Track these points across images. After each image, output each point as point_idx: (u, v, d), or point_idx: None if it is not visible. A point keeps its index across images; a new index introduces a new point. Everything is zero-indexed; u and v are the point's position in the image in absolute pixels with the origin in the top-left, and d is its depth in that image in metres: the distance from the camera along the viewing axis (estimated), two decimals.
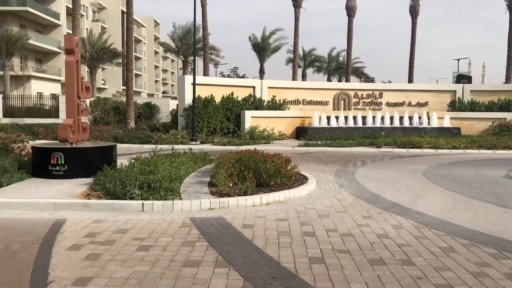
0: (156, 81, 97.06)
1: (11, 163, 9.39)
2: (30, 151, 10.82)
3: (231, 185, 8.16)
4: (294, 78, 33.86)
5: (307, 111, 25.10)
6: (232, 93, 23.91)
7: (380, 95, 27.20)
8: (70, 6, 53.02)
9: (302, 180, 9.57)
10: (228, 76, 55.55)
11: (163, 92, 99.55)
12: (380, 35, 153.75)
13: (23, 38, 41.05)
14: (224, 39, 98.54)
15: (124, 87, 68.39)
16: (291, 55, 41.89)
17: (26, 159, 10.49)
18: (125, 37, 68.88)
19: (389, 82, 44.30)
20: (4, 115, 30.86)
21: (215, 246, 5.42)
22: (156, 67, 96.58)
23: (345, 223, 6.65)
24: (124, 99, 32.31)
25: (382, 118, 25.36)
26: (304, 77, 49.19)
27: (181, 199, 7.58)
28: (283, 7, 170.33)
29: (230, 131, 23.31)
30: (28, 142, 12.00)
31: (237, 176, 8.54)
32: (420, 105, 27.25)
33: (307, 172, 10.84)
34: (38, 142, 12.77)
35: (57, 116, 30.57)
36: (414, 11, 35.69)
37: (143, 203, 7.23)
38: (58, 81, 52.21)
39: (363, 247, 5.49)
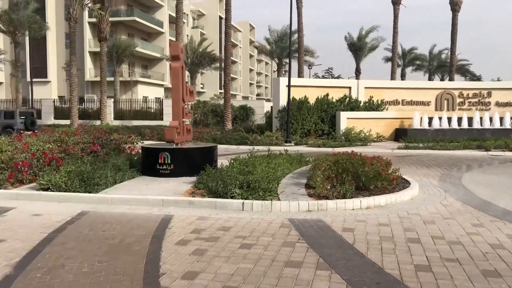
0: (251, 84, 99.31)
1: (123, 162, 10.19)
2: (139, 151, 11.68)
3: (328, 187, 8.09)
4: (392, 78, 32.66)
5: (406, 112, 24.06)
6: (327, 94, 23.68)
7: (489, 94, 25.24)
8: (173, 14, 56.48)
9: (404, 184, 9.19)
10: (323, 77, 55.02)
11: (257, 95, 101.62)
12: (487, 30, 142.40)
13: (131, 46, 44.39)
14: (318, 40, 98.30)
15: (221, 90, 71.19)
16: (389, 54, 40.48)
17: (136, 158, 11.31)
18: (222, 42, 71.37)
19: (499, 80, 40.82)
20: (115, 118, 33.60)
21: (315, 248, 5.41)
22: (250, 70, 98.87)
23: (453, 230, 6.26)
24: (221, 102, 33.56)
25: (491, 119, 23.51)
26: (403, 76, 47.21)
27: (279, 199, 7.67)
28: (380, 5, 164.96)
29: (324, 132, 23.10)
30: (137, 143, 12.94)
31: (335, 178, 8.44)
32: None
33: (408, 176, 10.39)
34: (146, 143, 13.70)
35: (161, 118, 32.62)
36: None
37: (243, 202, 7.43)
38: (161, 85, 55.65)
39: (474, 257, 5.13)
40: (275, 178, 8.74)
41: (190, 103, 12.47)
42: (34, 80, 36.82)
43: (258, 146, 17.85)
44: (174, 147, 10.30)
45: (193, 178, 9.37)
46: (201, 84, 69.49)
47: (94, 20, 42.29)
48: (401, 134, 22.48)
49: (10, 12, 33.44)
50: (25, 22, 33.92)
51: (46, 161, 9.55)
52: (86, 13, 44.38)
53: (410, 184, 9.25)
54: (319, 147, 19.24)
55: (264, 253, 5.23)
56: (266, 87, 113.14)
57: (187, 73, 45.88)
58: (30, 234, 6.02)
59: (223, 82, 30.35)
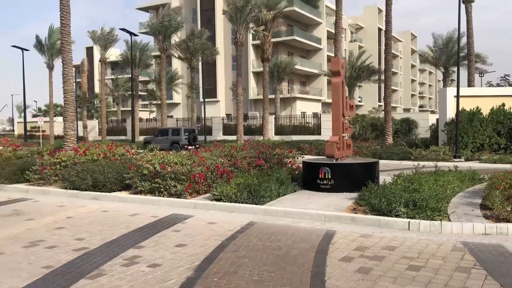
0: (413, 95, 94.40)
1: (286, 176, 10.59)
2: (300, 165, 12.01)
3: (509, 209, 7.22)
4: None
5: None
6: (503, 104, 21.20)
7: None
8: (331, 30, 57.14)
9: None
10: (497, 85, 49.51)
11: (420, 106, 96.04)
12: None
13: (291, 64, 46.12)
14: (489, 45, 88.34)
15: (380, 103, 69.17)
16: None
17: (296, 172, 11.66)
18: (381, 54, 69.44)
19: None
20: (275, 133, 35.14)
21: (495, 277, 4.86)
22: (412, 80, 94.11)
23: None
24: (380, 115, 32.58)
25: None
26: None
27: (449, 220, 7.11)
28: None
29: (501, 147, 20.68)
30: (298, 157, 13.33)
31: None
32: None
33: None
34: (306, 158, 14.03)
35: (319, 133, 33.06)
36: None
37: (409, 222, 7.08)
38: (319, 100, 56.46)
39: None
40: (444, 197, 8.14)
41: (350, 117, 12.39)
42: (206, 100, 40.71)
43: (423, 162, 16.81)
44: (334, 162, 10.34)
45: (354, 194, 9.27)
46: (359, 97, 68.53)
47: (257, 42, 45.17)
48: None
49: (187, 41, 37.76)
50: (199, 49, 37.93)
51: (218, 173, 10.46)
52: (250, 37, 47.63)
53: None
54: (495, 163, 17.30)
55: (434, 277, 4.89)
56: (430, 98, 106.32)
57: (345, 87, 45.73)
58: (206, 241, 6.64)
59: (383, 94, 29.47)
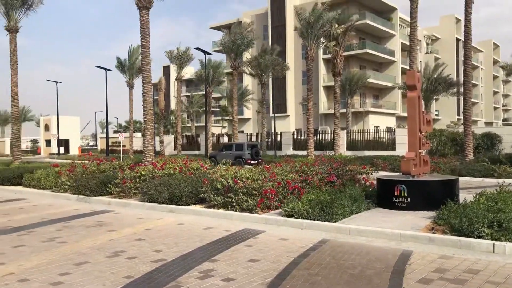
0: (495, 108, 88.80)
1: (359, 193, 10.35)
2: (373, 181, 11.70)
3: None
4: None
5: None
6: None
7: None
8: (405, 42, 55.54)
9: None
10: None
11: (504, 120, 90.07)
12: None
13: (363, 78, 45.32)
14: None
15: (459, 117, 65.76)
16: None
17: (370, 189, 11.35)
18: (459, 65, 66.27)
19: None
20: (347, 148, 34.55)
21: None
22: (495, 92, 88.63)
23: None
24: (459, 129, 30.97)
25: None
26: None
27: None
28: None
29: None
30: (371, 174, 12.99)
31: None
32: None
33: None
34: (381, 174, 13.64)
35: (393, 148, 32.03)
36: None
37: (494, 244, 6.64)
38: (393, 114, 54.82)
39: None
40: None
41: (426, 132, 11.91)
42: (276, 115, 41.09)
43: (508, 180, 15.70)
44: (410, 180, 9.96)
45: (432, 213, 8.85)
46: (436, 110, 65.65)
47: (327, 56, 44.96)
48: None
49: (258, 58, 38.46)
50: (270, 65, 38.45)
51: (289, 189, 10.47)
52: (320, 51, 47.53)
53: None
54: None
55: None
56: None
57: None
58: (278, 257, 6.65)
59: (461, 107, 28.04)
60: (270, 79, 47.02)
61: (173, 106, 67.18)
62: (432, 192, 9.71)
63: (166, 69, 75.70)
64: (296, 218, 9.00)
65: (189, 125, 63.95)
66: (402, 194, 9.66)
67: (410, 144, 10.40)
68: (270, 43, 50.50)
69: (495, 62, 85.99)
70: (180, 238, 8.06)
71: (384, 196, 10.09)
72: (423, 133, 10.70)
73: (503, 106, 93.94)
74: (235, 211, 10.17)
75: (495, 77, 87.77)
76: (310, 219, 8.78)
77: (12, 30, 25.24)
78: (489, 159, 21.65)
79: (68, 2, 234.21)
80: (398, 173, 15.83)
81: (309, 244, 7.40)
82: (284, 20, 53.60)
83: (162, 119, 49.92)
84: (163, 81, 47.41)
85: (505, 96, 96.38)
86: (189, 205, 11.27)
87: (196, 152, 43.64)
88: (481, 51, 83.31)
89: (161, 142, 46.54)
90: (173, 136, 51.31)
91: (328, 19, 29.20)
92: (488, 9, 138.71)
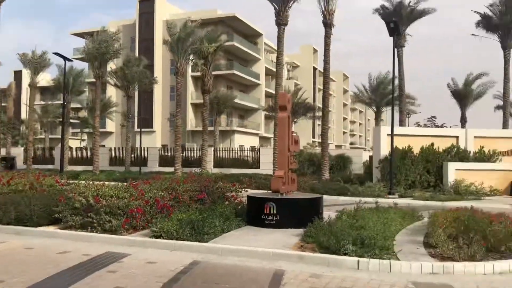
0: (344, 133, 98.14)
1: (230, 211, 10.19)
2: (242, 199, 11.68)
3: (451, 247, 7.31)
4: (504, 127, 30.17)
5: None
6: (432, 144, 22.34)
7: None
8: (269, 67, 58.48)
9: None
10: (425, 125, 52.68)
11: (351, 143, 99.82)
12: None
13: (231, 98, 46.27)
14: (417, 88, 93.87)
15: (314, 139, 71.02)
16: (499, 101, 37.81)
17: (239, 207, 11.27)
18: (316, 91, 71.77)
19: None
20: (214, 166, 34.68)
21: None
22: (344, 119, 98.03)
23: None
24: (314, 150, 33.27)
25: None
26: None
27: (397, 259, 7.06)
28: (487, 50, 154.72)
29: (430, 184, 21.62)
30: (241, 191, 13.01)
31: (461, 237, 7.63)
32: None
33: None
34: (250, 192, 13.73)
35: (258, 167, 33.04)
36: None
37: (358, 261, 6.94)
38: (256, 134, 56.97)
39: None
40: (390, 235, 8.14)
41: (294, 152, 12.35)
42: (142, 130, 39.61)
43: (360, 198, 17.08)
44: (279, 197, 10.13)
45: (300, 231, 9.04)
46: (295, 132, 70.01)
47: (196, 74, 45.07)
48: None
49: (124, 69, 36.79)
50: (137, 77, 37.01)
51: (158, 208, 9.86)
52: (189, 68, 47.47)
53: None
54: (427, 200, 17.94)
55: None
56: (360, 136, 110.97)
57: None
58: (146, 283, 6.08)
59: (317, 130, 30.34)
60: (137, 92, 45.33)
61: (24, 115, 60.75)
62: (300, 209, 9.99)
63: (18, 74, 68.25)
64: (165, 238, 8.45)
65: (43, 136, 58.40)
66: (272, 212, 9.74)
67: (280, 163, 10.62)
68: (137, 55, 48.89)
69: (345, 91, 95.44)
70: (29, 265, 6.95)
71: (255, 214, 10.08)
72: (291, 152, 11.02)
73: (350, 131, 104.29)
74: (96, 232, 9.21)
75: (344, 105, 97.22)
76: (180, 240, 8.31)
77: None
78: (342, 179, 23.49)
79: None
80: (265, 191, 16.20)
81: (179, 267, 6.94)
82: (152, 33, 52.52)
83: (11, 129, 44.67)
84: (14, 87, 42.62)
85: (352, 122, 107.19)
86: (41, 226, 9.92)
87: (50, 166, 39.69)
88: (334, 81, 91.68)
89: (8, 154, 41.50)
90: (22, 148, 46.20)
91: (200, 37, 29.27)
92: (341, 44, 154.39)
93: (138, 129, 38.29)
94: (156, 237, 8.61)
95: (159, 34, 50.23)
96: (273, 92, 33.45)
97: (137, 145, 37.66)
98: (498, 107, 40.74)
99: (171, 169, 30.98)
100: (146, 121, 50.19)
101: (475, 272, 6.71)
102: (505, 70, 29.89)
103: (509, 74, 29.90)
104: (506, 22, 29.23)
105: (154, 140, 51.16)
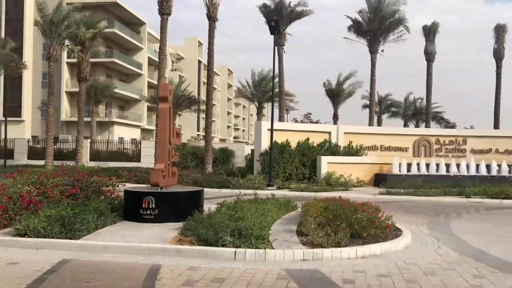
0: (228, 127, 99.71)
1: (105, 206, 9.71)
2: (119, 194, 11.22)
3: (321, 235, 7.83)
4: (370, 124, 33.17)
5: (385, 158, 24.25)
6: (308, 139, 23.75)
7: (464, 142, 25.79)
8: (152, 57, 56.91)
9: (396, 232, 8.99)
10: (301, 121, 55.75)
11: (235, 137, 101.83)
12: (460, 80, 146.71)
13: (110, 86, 44.03)
14: (295, 85, 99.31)
15: (198, 132, 71.00)
16: (366, 100, 41.43)
17: (116, 202, 10.80)
18: (201, 85, 71.69)
19: (472, 128, 42.08)
20: (91, 159, 32.79)
21: None
22: (228, 113, 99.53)
23: (456, 282, 6.06)
24: (198, 144, 33.29)
25: (467, 166, 23.89)
26: (379, 123, 48.04)
27: (272, 248, 7.36)
28: (359, 52, 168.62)
29: (305, 176, 22.98)
30: (118, 186, 12.47)
31: (328, 225, 8.21)
32: (508, 152, 25.48)
33: (397, 223, 10.23)
34: (128, 186, 13.21)
35: (138, 160, 31.98)
36: (498, 55, 34.33)
37: (235, 251, 7.09)
38: (138, 126, 55.19)
39: None
40: (266, 225, 8.45)
41: (176, 145, 12.19)
42: (8, 119, 35.92)
43: (241, 190, 17.49)
44: (159, 191, 9.91)
45: (180, 224, 8.95)
46: (179, 125, 69.29)
47: (72, 60, 42.11)
48: (381, 180, 22.53)
49: None
50: (2, 61, 33.38)
51: (23, 204, 9.02)
52: (65, 54, 44.17)
53: (402, 232, 9.07)
54: (302, 191, 19.03)
55: None
56: (243, 130, 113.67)
57: None
58: (6, 285, 5.53)
59: (204, 124, 30.29)
60: (2, 77, 40.97)
61: None
62: (179, 203, 9.89)
63: None
64: (31, 237, 7.76)
65: None
66: (150, 206, 9.48)
67: (160, 156, 10.39)
68: (3, 36, 44.09)
69: (229, 86, 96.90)
70: None
71: (132, 209, 9.74)
72: (173, 144, 10.85)
73: (234, 125, 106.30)
74: None
75: (228, 99, 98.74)
76: (49, 237, 7.70)
77: None
78: (225, 172, 23.84)
79: None
80: (145, 185, 15.74)
81: (46, 266, 6.42)
82: (22, 13, 47.87)
83: None
84: None
85: (236, 116, 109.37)
86: None
87: None
88: (219, 75, 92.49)
89: None
90: None
91: (76, 21, 27.36)
92: (225, 39, 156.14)
93: (4, 118, 34.68)
94: (20, 235, 7.87)
95: (30, 14, 45.97)
96: (156, 83, 32.67)
97: (3, 136, 34.05)
98: (365, 106, 44.72)
99: (41, 162, 28.59)
100: (14, 110, 45.69)
101: (340, 257, 7.27)
102: (372, 73, 32.81)
103: (375, 76, 32.88)
104: (374, 28, 32.02)
105: (23, 130, 46.80)
